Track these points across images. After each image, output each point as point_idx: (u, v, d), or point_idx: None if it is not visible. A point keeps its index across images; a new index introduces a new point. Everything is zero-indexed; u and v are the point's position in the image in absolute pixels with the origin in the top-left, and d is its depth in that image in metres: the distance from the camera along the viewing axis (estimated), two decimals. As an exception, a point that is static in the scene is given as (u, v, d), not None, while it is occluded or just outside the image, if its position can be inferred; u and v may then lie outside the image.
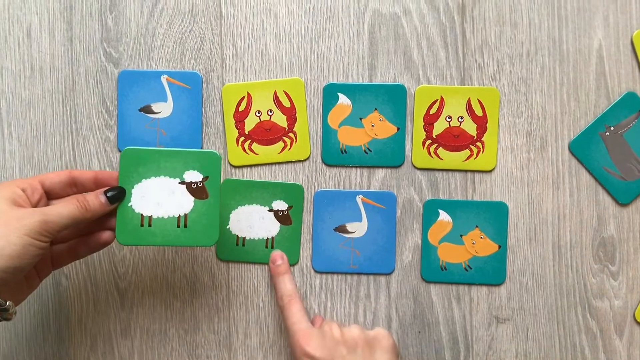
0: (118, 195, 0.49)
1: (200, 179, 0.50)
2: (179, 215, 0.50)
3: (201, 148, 0.58)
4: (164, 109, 0.57)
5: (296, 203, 0.57)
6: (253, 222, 0.57)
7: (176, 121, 0.58)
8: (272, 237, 0.58)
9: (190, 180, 0.50)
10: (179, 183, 0.50)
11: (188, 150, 0.50)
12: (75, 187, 0.49)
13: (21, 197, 0.45)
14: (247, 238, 0.58)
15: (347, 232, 0.58)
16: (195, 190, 0.50)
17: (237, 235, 0.58)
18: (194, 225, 0.50)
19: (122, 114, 0.57)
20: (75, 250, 0.50)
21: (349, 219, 0.58)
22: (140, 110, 0.57)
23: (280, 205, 0.57)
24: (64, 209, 0.45)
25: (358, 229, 0.57)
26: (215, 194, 0.51)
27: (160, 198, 0.50)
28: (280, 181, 0.58)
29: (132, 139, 0.57)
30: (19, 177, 0.58)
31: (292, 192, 0.57)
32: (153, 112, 0.57)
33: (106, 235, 0.50)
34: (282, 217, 0.57)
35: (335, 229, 0.58)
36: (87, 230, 0.50)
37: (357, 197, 0.58)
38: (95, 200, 0.47)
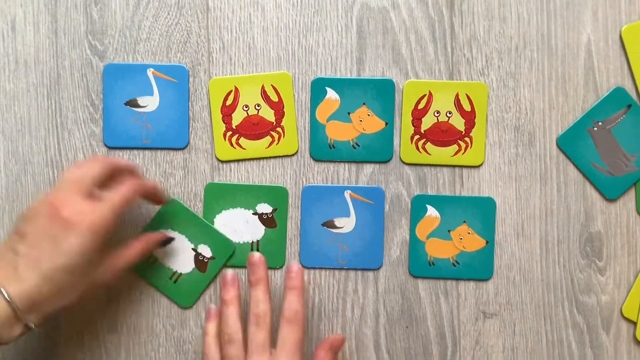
0: (170, 242, 0.57)
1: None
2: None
3: (188, 142, 0.57)
4: (150, 102, 0.57)
5: (280, 205, 0.57)
6: (238, 225, 0.57)
7: (163, 115, 0.57)
8: (257, 241, 0.57)
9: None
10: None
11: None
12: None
13: (110, 230, 0.48)
14: (233, 242, 0.57)
15: (335, 227, 0.57)
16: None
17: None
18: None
19: (107, 107, 0.57)
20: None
21: (337, 214, 0.57)
22: (126, 104, 0.57)
23: (264, 208, 0.57)
24: (130, 259, 0.52)
25: (346, 224, 0.57)
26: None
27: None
28: (264, 184, 0.57)
29: (118, 133, 0.57)
30: (3, 171, 0.57)
31: (276, 195, 0.57)
32: (139, 106, 0.57)
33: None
34: (266, 220, 0.57)
35: (323, 224, 0.57)
36: None
37: (345, 192, 0.57)
38: (155, 246, 0.55)
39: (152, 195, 0.53)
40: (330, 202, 0.57)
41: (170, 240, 0.56)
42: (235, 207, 0.57)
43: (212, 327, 0.53)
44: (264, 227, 0.57)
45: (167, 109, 0.57)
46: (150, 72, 0.57)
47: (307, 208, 0.57)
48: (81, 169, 0.49)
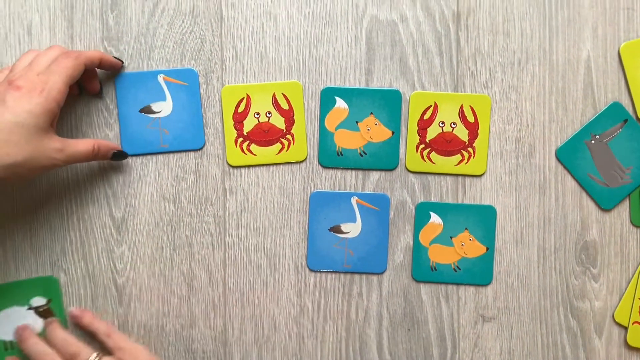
0: (121, 157, 0.58)
1: (45, 302, 0.58)
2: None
3: (204, 143, 0.59)
4: (163, 108, 0.58)
5: (54, 295, 0.58)
6: (16, 323, 0.57)
7: (177, 119, 0.59)
8: (38, 334, 0.57)
9: (37, 305, 0.58)
10: (27, 309, 0.58)
11: (29, 279, 0.58)
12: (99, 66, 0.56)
13: (55, 114, 0.51)
14: (15, 340, 0.57)
15: (342, 232, 0.59)
16: (42, 313, 0.58)
17: (4, 340, 0.58)
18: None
19: (123, 116, 0.58)
20: None
21: (344, 220, 0.59)
22: (141, 111, 0.58)
23: (38, 301, 0.58)
24: (81, 151, 0.53)
25: (352, 229, 0.59)
26: (60, 313, 0.58)
27: (16, 324, 0.57)
28: (31, 277, 0.58)
29: (135, 140, 0.58)
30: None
31: (47, 286, 0.58)
32: (153, 112, 0.58)
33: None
34: (43, 313, 0.58)
35: (330, 229, 0.59)
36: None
37: (352, 198, 0.59)
38: (106, 154, 0.56)
39: (101, 63, 0.55)
40: (337, 207, 0.59)
41: (122, 155, 0.57)
42: (10, 306, 0.58)
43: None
44: (41, 320, 0.58)
45: (181, 113, 0.58)
46: (160, 78, 0.58)
47: (314, 213, 0.59)
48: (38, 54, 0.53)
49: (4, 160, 0.47)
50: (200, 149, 0.59)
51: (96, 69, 0.57)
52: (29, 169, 0.49)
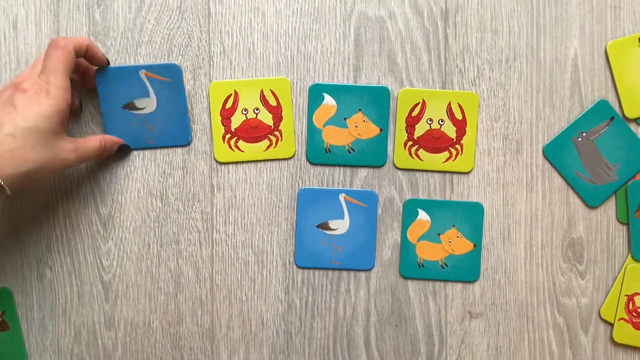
0: (126, 150, 0.58)
1: None
2: None
3: (190, 139, 0.59)
4: (147, 104, 0.58)
5: (8, 307, 0.58)
6: None
7: (162, 115, 0.58)
8: None
9: None
10: None
11: None
12: (85, 55, 0.54)
13: (66, 114, 0.51)
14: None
15: (330, 229, 0.59)
16: None
17: None
18: (3, 354, 0.58)
19: (105, 113, 0.58)
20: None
21: (332, 217, 0.59)
22: (124, 107, 0.58)
23: None
24: (91, 149, 0.53)
25: (340, 226, 0.59)
26: (15, 324, 0.58)
27: None
28: None
29: (120, 136, 0.58)
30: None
31: (0, 297, 0.58)
32: (137, 108, 0.58)
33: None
34: None
35: (318, 226, 0.59)
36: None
37: (340, 195, 0.59)
38: (111, 148, 0.56)
39: (87, 50, 0.54)
40: (325, 204, 0.59)
41: (126, 148, 0.58)
42: None
43: None
44: None
45: (165, 108, 0.58)
46: (142, 74, 0.58)
47: (302, 210, 0.59)
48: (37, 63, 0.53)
49: (21, 168, 0.47)
50: (187, 145, 0.59)
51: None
52: (45, 173, 0.49)
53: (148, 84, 0.57)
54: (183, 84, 0.58)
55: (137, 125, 0.58)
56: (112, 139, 0.56)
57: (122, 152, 0.58)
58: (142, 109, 0.58)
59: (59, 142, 0.50)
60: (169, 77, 0.58)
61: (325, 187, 0.59)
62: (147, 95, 0.58)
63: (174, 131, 0.58)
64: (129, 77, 0.57)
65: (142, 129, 0.58)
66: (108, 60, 0.57)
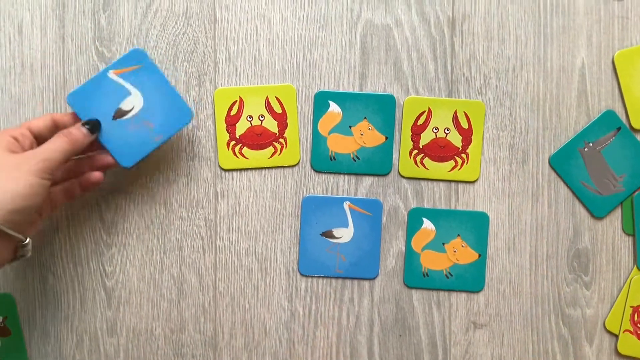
0: (95, 124, 0.52)
1: (1, 320, 0.57)
2: None
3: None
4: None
5: (10, 313, 0.58)
6: None
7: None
8: None
9: None
10: None
11: None
12: (59, 129, 0.52)
13: (14, 144, 0.49)
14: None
15: (334, 237, 0.59)
16: None
17: None
18: (6, 359, 0.58)
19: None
20: (70, 191, 0.53)
21: (336, 225, 0.59)
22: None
23: None
24: (54, 145, 0.49)
25: (344, 234, 0.59)
26: (16, 330, 0.57)
27: None
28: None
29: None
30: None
31: (3, 304, 0.58)
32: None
33: (95, 175, 0.53)
34: None
35: (322, 234, 0.59)
36: (79, 171, 0.54)
37: (345, 203, 0.59)
38: (78, 132, 0.51)
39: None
40: (329, 212, 0.59)
41: (95, 123, 0.52)
42: None
43: None
44: None
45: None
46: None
47: (306, 218, 0.59)
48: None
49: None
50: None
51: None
52: (17, 182, 0.46)
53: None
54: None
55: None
56: (75, 125, 0.51)
57: (96, 129, 0.52)
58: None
59: (6, 156, 0.47)
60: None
61: (329, 195, 0.59)
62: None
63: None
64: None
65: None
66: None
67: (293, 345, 0.59)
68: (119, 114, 0.53)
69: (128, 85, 0.53)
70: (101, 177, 0.53)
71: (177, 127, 0.54)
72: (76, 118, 0.53)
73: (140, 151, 0.53)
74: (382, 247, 0.59)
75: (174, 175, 0.59)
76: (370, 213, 0.59)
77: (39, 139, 0.51)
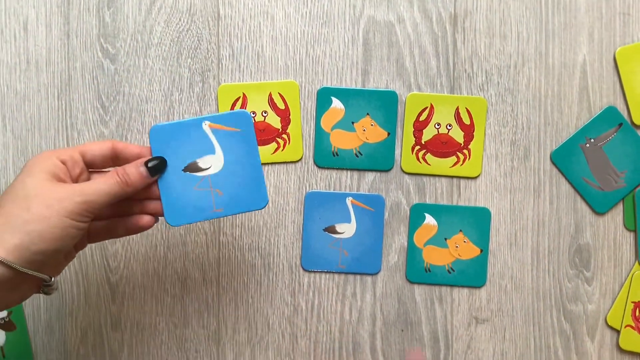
0: (159, 165, 0.46)
1: (6, 315, 0.57)
2: None
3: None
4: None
5: (15, 307, 0.58)
6: None
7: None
8: (1, 347, 0.58)
9: None
10: None
11: None
12: (117, 160, 0.46)
13: (62, 170, 0.43)
14: None
15: (336, 232, 0.59)
16: (4, 325, 0.57)
17: None
18: (10, 353, 0.58)
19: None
20: (113, 229, 0.47)
21: (339, 220, 0.59)
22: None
23: None
24: (104, 186, 0.43)
25: (347, 230, 0.59)
26: (21, 324, 0.58)
27: None
28: None
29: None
30: (12, 169, 0.59)
31: None
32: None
33: (145, 219, 0.47)
34: (5, 325, 0.58)
35: (325, 229, 0.59)
36: (127, 210, 0.47)
37: (347, 199, 0.59)
38: (136, 172, 0.44)
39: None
40: (332, 208, 0.59)
41: (160, 162, 0.46)
42: None
43: None
44: (4, 332, 0.58)
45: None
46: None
47: (309, 213, 0.59)
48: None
49: (13, 223, 0.40)
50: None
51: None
52: (51, 222, 0.41)
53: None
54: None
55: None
56: (132, 163, 0.45)
57: (157, 172, 0.46)
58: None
59: (48, 186, 0.42)
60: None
61: (332, 191, 0.59)
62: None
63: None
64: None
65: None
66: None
67: (296, 340, 0.60)
68: (192, 168, 0.47)
69: (216, 144, 0.48)
70: (152, 222, 0.47)
71: (245, 208, 0.48)
72: (141, 152, 0.46)
73: (193, 215, 0.47)
74: (384, 242, 0.60)
75: (177, 170, 0.59)
76: (372, 208, 0.59)
77: (92, 166, 0.46)
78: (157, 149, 0.46)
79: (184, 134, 0.47)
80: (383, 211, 0.59)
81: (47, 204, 0.41)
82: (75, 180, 0.44)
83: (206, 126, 0.47)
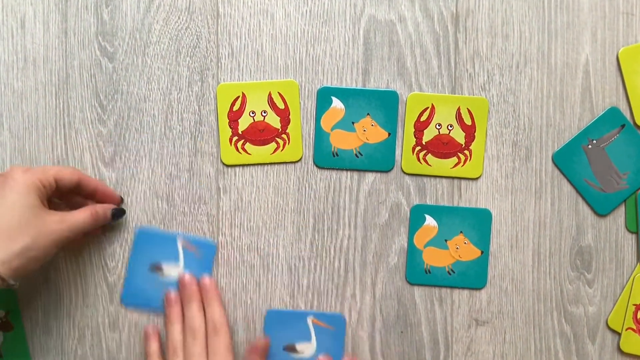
0: (121, 214, 0.57)
1: (3, 315, 0.57)
2: None
3: None
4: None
5: (12, 307, 0.58)
6: None
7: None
8: None
9: None
10: None
11: None
12: (77, 191, 0.54)
13: (41, 192, 0.50)
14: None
15: (296, 351, 0.58)
16: (1, 325, 0.57)
17: None
18: (7, 354, 0.58)
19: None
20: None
21: (299, 339, 0.58)
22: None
23: None
24: (81, 218, 0.52)
25: (307, 349, 0.58)
26: (18, 324, 0.57)
27: None
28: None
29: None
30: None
31: (5, 298, 0.58)
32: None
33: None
34: (2, 325, 0.57)
35: (285, 349, 0.58)
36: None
37: (307, 317, 0.58)
38: (105, 214, 0.54)
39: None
40: (292, 326, 0.58)
41: (121, 212, 0.57)
42: None
43: (154, 346, 0.56)
44: (1, 332, 0.57)
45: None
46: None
47: (270, 332, 0.58)
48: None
49: (12, 248, 0.47)
50: None
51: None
52: (41, 249, 0.49)
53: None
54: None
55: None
56: (103, 206, 0.55)
57: (118, 218, 0.57)
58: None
59: (43, 215, 0.49)
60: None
61: (292, 310, 0.59)
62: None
63: None
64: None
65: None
66: (121, 198, 0.58)
67: (295, 341, 0.59)
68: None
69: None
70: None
71: None
72: (98, 191, 0.55)
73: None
74: (384, 243, 0.59)
75: (176, 170, 0.59)
76: (332, 327, 0.58)
77: (58, 192, 0.53)
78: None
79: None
80: (344, 330, 0.58)
81: (39, 227, 0.48)
82: (48, 200, 0.52)
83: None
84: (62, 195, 0.55)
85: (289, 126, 0.59)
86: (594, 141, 0.59)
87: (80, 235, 0.53)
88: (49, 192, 0.51)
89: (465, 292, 0.60)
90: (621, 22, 0.59)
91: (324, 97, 0.59)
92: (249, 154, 0.59)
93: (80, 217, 0.52)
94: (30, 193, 0.49)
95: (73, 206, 0.55)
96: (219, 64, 0.58)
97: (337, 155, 0.59)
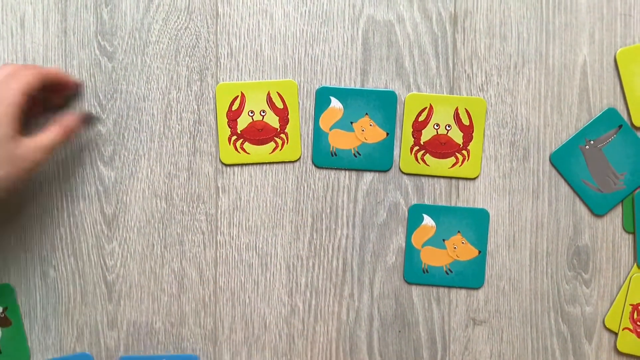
0: (90, 119, 0.57)
1: (1, 311, 0.57)
2: None
3: None
4: None
5: (10, 303, 0.58)
6: None
7: None
8: None
9: None
10: None
11: None
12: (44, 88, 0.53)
13: (19, 116, 0.50)
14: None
15: None
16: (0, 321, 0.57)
17: None
18: (6, 350, 0.58)
19: None
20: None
21: None
22: None
23: None
24: (53, 137, 0.52)
25: None
26: (17, 319, 0.58)
27: None
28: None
29: None
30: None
31: (3, 294, 0.58)
32: None
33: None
34: (0, 321, 0.58)
35: None
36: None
37: None
38: (75, 125, 0.54)
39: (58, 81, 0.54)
40: None
41: (92, 118, 0.57)
42: None
43: None
44: (0, 329, 0.58)
45: None
46: None
47: None
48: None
49: None
50: None
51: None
52: (14, 179, 0.49)
53: None
54: None
55: None
56: (71, 118, 0.54)
57: (89, 124, 0.56)
58: None
59: (17, 146, 0.49)
60: None
61: (145, 355, 0.58)
62: None
63: None
64: None
65: None
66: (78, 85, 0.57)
67: (293, 340, 0.60)
68: None
69: None
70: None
71: None
72: (62, 76, 0.55)
73: None
74: (382, 242, 0.59)
75: (175, 169, 0.59)
76: None
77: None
78: None
79: None
80: None
81: (15, 158, 0.49)
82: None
83: None
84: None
85: (287, 126, 0.59)
86: (592, 142, 0.59)
87: (54, 153, 0.53)
88: (20, 113, 0.50)
89: (463, 292, 0.60)
90: (619, 23, 0.59)
91: (322, 97, 0.59)
92: (248, 153, 0.59)
93: (50, 137, 0.51)
94: (2, 125, 0.48)
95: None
96: (218, 64, 0.59)
97: (335, 154, 0.59)
